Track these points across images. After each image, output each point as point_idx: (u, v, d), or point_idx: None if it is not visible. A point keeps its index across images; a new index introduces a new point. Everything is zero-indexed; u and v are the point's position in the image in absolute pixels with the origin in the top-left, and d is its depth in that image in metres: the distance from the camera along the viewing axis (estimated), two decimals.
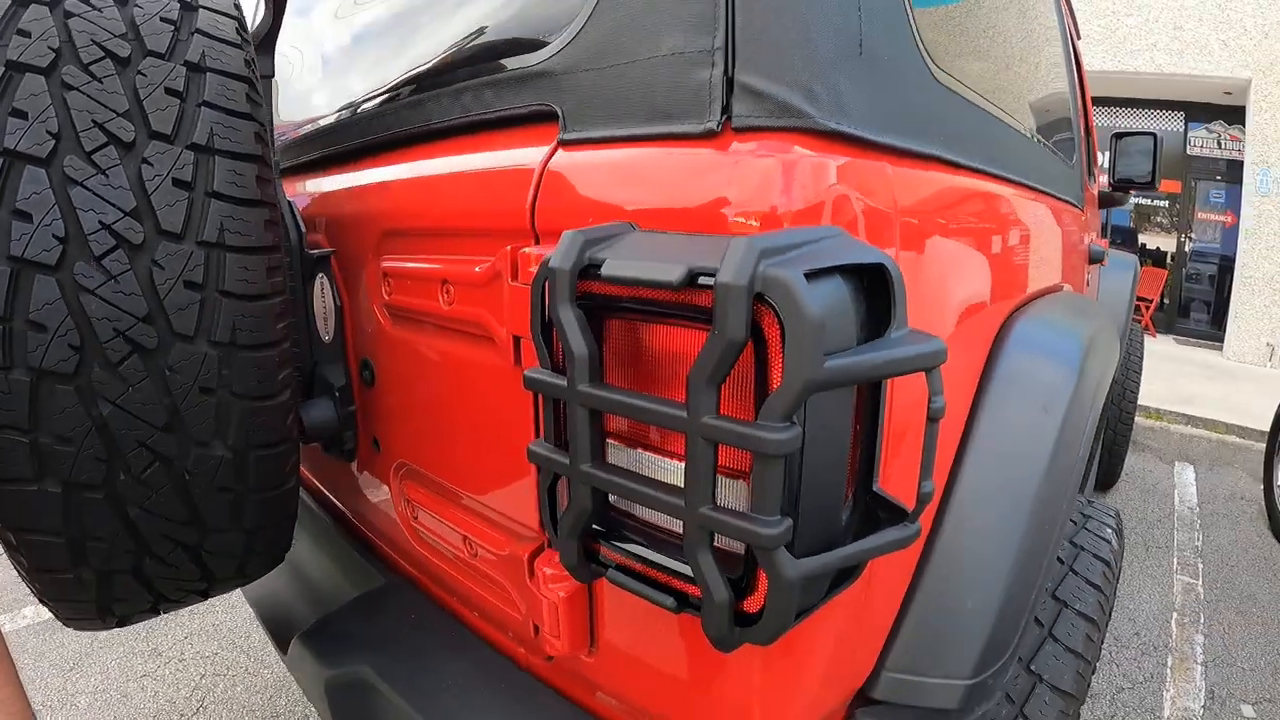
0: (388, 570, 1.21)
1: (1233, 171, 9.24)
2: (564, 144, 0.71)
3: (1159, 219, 10.18)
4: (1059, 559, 1.12)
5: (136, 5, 0.76)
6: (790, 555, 0.48)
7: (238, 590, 1.00)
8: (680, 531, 0.58)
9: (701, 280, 0.47)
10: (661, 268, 0.48)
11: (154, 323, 0.70)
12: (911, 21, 0.72)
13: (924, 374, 0.52)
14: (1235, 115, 9.10)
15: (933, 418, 0.53)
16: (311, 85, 1.27)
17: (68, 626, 0.88)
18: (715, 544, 0.51)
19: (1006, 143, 1.06)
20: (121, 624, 0.88)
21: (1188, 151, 9.72)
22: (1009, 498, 0.84)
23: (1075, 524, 1.19)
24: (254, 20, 1.10)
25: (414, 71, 0.96)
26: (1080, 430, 0.95)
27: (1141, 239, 10.26)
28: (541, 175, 0.71)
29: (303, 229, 1.02)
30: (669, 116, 0.62)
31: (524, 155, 0.76)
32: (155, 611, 0.88)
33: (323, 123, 1.20)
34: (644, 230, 0.60)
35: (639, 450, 0.64)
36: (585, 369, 0.54)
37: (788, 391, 0.45)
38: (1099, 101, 9.36)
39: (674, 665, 0.73)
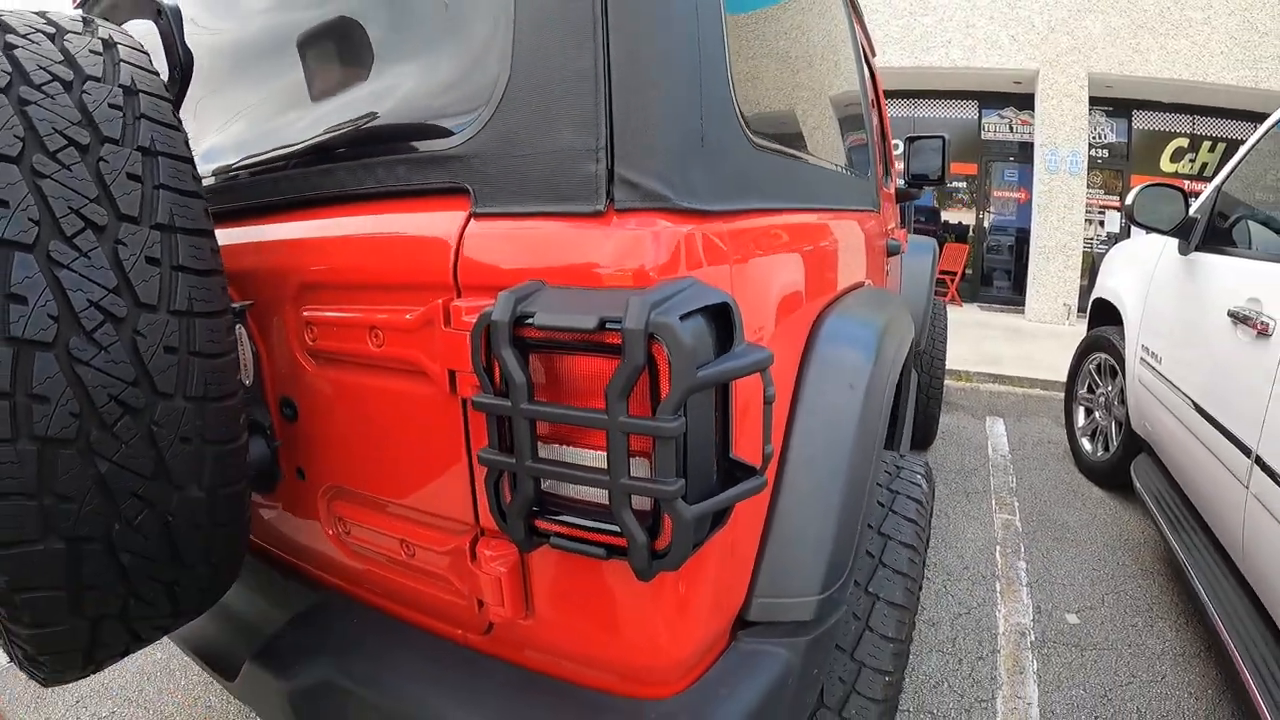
0: (315, 587, 1.36)
1: (1024, 152, 10.63)
2: (476, 216, 0.92)
3: (960, 196, 11.51)
4: (880, 503, 1.45)
5: (85, 92, 0.85)
6: (685, 504, 0.75)
7: None
8: (597, 500, 0.83)
9: (609, 325, 0.72)
10: (580, 318, 0.73)
11: (140, 385, 0.83)
12: (738, 111, 0.99)
13: (759, 373, 0.80)
14: (1025, 102, 10.39)
15: (767, 401, 0.83)
16: (211, 139, 1.38)
17: (45, 683, 0.96)
18: (632, 505, 0.77)
19: (809, 179, 1.37)
20: (95, 670, 0.98)
21: (982, 136, 11.08)
22: (830, 454, 1.14)
23: (890, 475, 1.54)
24: None
25: (325, 140, 1.12)
26: (880, 397, 1.27)
27: (944, 216, 11.59)
28: (460, 241, 0.91)
29: None
30: (566, 199, 0.85)
31: (441, 222, 0.94)
32: (125, 653, 0.98)
33: (223, 179, 1.32)
34: (553, 286, 0.83)
35: (558, 446, 0.87)
36: (525, 392, 0.78)
37: (674, 395, 0.71)
38: (901, 94, 10.47)
39: (594, 613, 0.97)
